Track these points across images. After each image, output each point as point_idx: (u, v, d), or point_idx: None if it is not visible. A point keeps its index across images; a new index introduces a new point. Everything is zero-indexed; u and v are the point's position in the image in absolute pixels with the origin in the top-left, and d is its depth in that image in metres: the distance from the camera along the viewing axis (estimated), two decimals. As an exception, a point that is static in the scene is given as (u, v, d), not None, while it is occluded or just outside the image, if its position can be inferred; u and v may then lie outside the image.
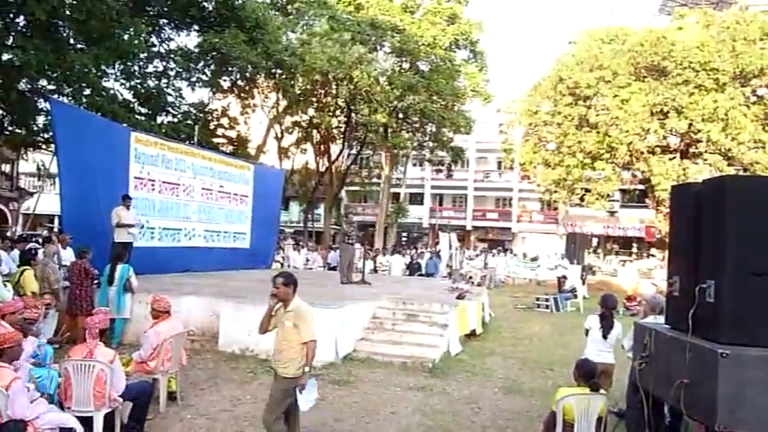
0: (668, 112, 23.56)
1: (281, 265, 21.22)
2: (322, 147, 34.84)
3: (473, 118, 30.50)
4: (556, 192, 28.78)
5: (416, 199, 47.23)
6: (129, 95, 22.08)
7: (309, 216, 38.86)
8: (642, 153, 24.99)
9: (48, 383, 5.19)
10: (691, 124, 23.32)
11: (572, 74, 25.72)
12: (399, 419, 6.28)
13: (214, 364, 8.09)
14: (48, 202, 16.97)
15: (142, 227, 11.64)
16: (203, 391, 6.90)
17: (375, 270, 21.30)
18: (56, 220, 27.87)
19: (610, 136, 24.77)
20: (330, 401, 6.76)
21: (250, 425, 5.85)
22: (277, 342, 4.95)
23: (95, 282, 9.10)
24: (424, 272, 21.55)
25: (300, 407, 4.78)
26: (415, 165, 43.31)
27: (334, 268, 21.42)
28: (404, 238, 48.14)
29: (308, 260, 22.11)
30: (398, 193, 41.36)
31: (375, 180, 40.00)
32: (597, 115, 25.11)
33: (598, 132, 25.23)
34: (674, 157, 25.12)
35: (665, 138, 25.14)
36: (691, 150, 25.34)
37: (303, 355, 4.80)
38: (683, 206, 4.31)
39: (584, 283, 20.17)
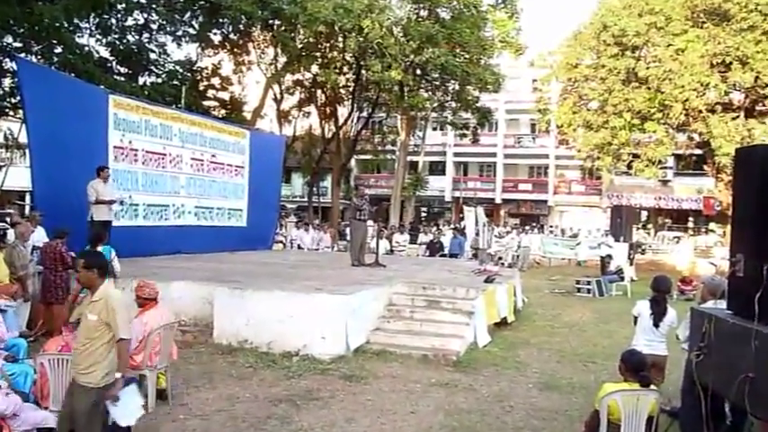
0: (731, 63, 23.12)
1: (284, 245, 21.37)
2: (328, 109, 34.77)
3: (502, 73, 30.14)
4: (599, 158, 28.49)
5: (437, 168, 47.17)
6: (106, 53, 22.17)
7: (314, 189, 39.08)
8: (700, 112, 24.61)
9: (22, 380, 5.27)
10: (757, 77, 22.90)
11: (618, 20, 25.26)
12: (420, 420, 6.31)
13: (208, 358, 8.19)
14: (17, 176, 17.16)
15: (122, 203, 11.70)
16: (197, 388, 6.99)
17: (391, 251, 21.40)
18: (27, 197, 28.21)
19: (662, 92, 24.39)
20: (340, 399, 6.81)
21: (250, 426, 5.92)
22: (77, 340, 4.43)
23: (71, 267, 9.18)
24: (446, 252, 21.62)
25: (120, 422, 4.29)
26: (435, 129, 43.02)
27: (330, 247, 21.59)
28: (423, 214, 48.24)
29: (312, 239, 22.30)
30: (416, 162, 41.25)
31: (389, 147, 39.91)
32: (647, 68, 24.72)
33: (648, 88, 24.87)
34: (738, 116, 24.73)
35: (726, 93, 24.72)
36: (757, 108, 24.93)
37: (112, 358, 4.31)
38: (749, 173, 4.24)
39: (631, 264, 20.09)
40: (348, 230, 18.41)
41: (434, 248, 22.33)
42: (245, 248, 16.29)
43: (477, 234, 22.02)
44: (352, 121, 35.45)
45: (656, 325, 6.50)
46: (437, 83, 30.72)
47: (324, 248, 21.68)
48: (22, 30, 16.48)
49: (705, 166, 29.79)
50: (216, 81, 30.71)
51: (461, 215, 28.06)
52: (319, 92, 33.64)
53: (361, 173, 47.91)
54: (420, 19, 28.23)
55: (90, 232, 9.91)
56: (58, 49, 18.05)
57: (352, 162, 43.00)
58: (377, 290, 10.02)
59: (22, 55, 16.10)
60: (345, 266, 13.20)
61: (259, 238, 17.40)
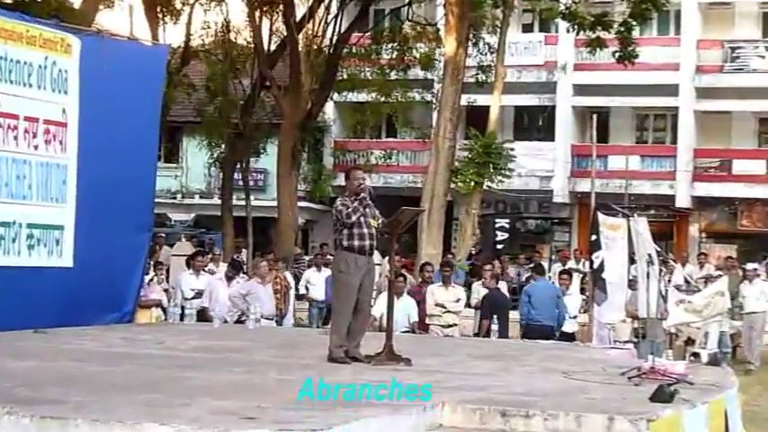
0: None
1: (164, 310, 21.35)
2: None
3: None
4: None
5: (534, 125, 47.60)
6: None
7: (238, 175, 38.91)
8: None
9: None
10: None
11: None
12: None
13: None
14: None
15: None
16: None
17: (422, 325, 21.42)
18: None
19: None
20: None
21: None
22: None
23: None
24: (544, 322, 21.93)
25: None
26: (528, 29, 43.14)
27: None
28: (501, 233, 48.01)
29: (234, 298, 22.30)
30: (483, 110, 41.05)
31: (417, 74, 39.98)
32: None
33: None
34: None
35: None
36: None
37: None
38: None
39: None
40: (315, 277, 18.26)
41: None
42: (70, 322, 16.33)
43: (633, 283, 21.99)
44: (328, 15, 35.60)
45: None
46: None
47: (260, 318, 21.63)
48: None
49: None
50: None
51: (594, 237, 27.60)
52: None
53: (349, 137, 47.79)
54: None
55: None
56: None
57: (329, 110, 43.07)
58: (392, 421, 10.04)
59: None
60: (316, 362, 13.37)
61: (105, 295, 17.51)
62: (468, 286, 26.44)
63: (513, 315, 23.62)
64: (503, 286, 24.82)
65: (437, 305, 21.96)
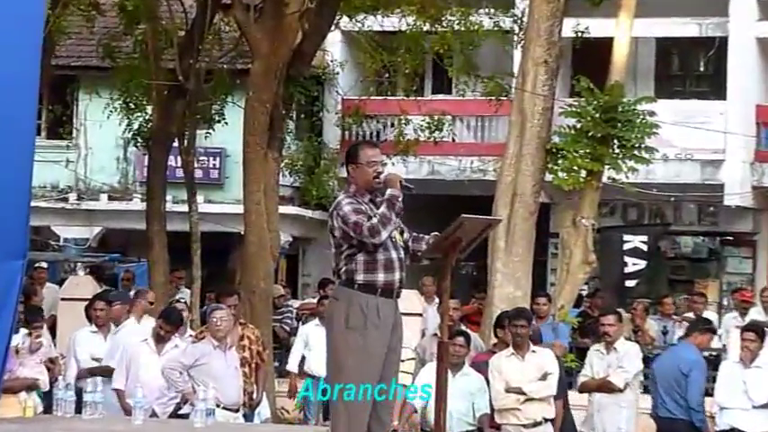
0: None
1: (44, 398, 21.32)
2: None
3: None
4: None
5: (688, 69, 47.64)
6: None
7: (175, 159, 38.94)
8: None
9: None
10: None
11: None
12: None
13: None
14: None
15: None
16: None
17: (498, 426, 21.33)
18: None
19: None
20: None
21: None
22: None
23: None
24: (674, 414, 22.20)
25: None
26: None
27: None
28: (630, 262, 48.06)
29: (170, 374, 22.32)
30: (603, 46, 41.17)
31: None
32: None
33: None
34: None
35: None
36: None
37: None
38: None
39: None
40: (318, 336, 18.31)
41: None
42: None
43: None
44: None
45: None
46: None
47: (215, 407, 21.60)
48: None
49: None
50: None
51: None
52: None
53: (368, 93, 47.72)
54: None
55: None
56: None
57: (335, 47, 43.61)
58: None
59: None
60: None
61: None
62: (579, 353, 26.07)
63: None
64: (633, 352, 24.48)
65: (510, 390, 21.53)
